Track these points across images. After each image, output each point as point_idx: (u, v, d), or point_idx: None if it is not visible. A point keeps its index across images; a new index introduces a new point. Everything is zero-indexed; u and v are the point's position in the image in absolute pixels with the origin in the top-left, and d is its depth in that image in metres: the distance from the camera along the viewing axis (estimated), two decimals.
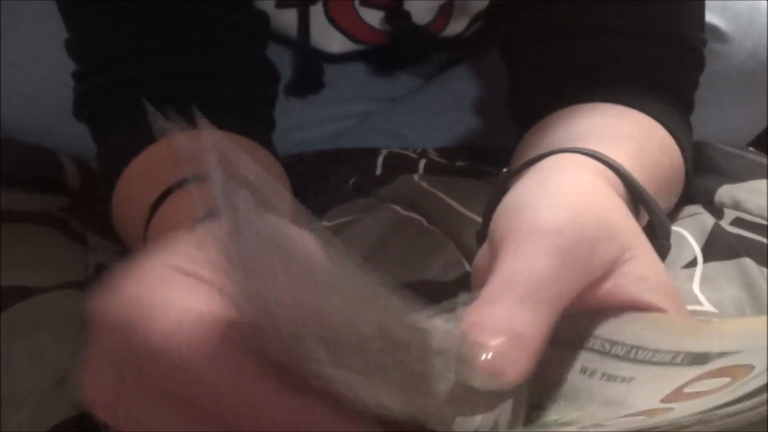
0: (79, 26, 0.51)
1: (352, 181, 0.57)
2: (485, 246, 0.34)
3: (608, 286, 0.30)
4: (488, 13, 0.59)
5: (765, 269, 0.42)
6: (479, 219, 0.43)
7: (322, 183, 0.58)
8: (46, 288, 0.44)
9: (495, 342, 0.25)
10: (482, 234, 0.40)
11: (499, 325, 0.26)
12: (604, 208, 0.33)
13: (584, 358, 0.28)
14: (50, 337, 0.41)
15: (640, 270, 0.30)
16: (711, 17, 0.63)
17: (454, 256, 0.47)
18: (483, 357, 0.25)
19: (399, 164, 0.59)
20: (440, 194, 0.52)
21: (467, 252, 0.46)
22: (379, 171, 0.59)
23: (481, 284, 0.29)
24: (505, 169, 0.42)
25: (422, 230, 0.49)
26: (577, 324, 0.29)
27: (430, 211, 0.51)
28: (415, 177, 0.55)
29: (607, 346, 0.28)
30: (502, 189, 0.38)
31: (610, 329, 0.29)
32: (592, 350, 0.28)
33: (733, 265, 0.43)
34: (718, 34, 0.65)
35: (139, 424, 0.24)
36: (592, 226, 0.31)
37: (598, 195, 0.34)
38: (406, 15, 0.58)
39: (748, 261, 0.43)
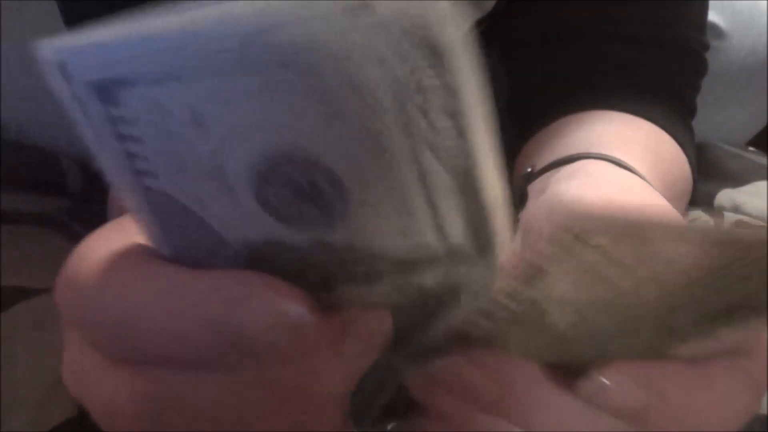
0: (79, 27, 0.51)
1: None
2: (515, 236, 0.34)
3: None
4: (490, 18, 0.59)
5: None
6: None
7: None
8: (46, 288, 0.44)
9: None
10: None
11: None
12: (650, 193, 0.34)
13: None
14: (50, 337, 0.41)
15: None
16: (710, 15, 0.63)
17: None
18: None
19: None
20: None
21: None
22: None
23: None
24: (528, 169, 0.42)
25: None
26: None
27: None
28: None
29: None
30: (523, 188, 0.38)
31: None
32: None
33: None
34: (717, 31, 0.65)
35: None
36: (642, 201, 0.31)
37: (642, 186, 0.35)
38: None
39: None
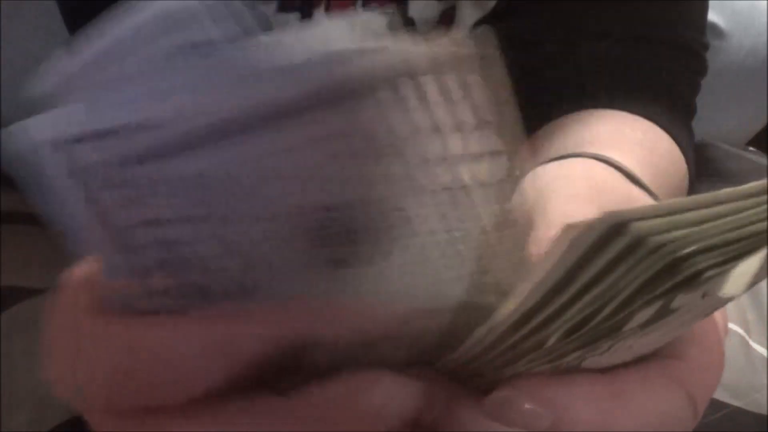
0: (79, 27, 0.50)
1: None
2: None
3: None
4: (490, 18, 0.59)
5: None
6: None
7: None
8: (46, 288, 0.44)
9: None
10: None
11: None
12: (627, 185, 0.34)
13: None
14: None
15: None
16: (710, 15, 0.63)
17: None
18: None
19: None
20: None
21: None
22: None
23: None
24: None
25: None
26: None
27: None
28: None
29: None
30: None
31: None
32: None
33: None
34: (717, 31, 0.65)
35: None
36: (618, 193, 0.31)
37: (620, 179, 0.35)
38: (410, 22, 0.57)
39: None
